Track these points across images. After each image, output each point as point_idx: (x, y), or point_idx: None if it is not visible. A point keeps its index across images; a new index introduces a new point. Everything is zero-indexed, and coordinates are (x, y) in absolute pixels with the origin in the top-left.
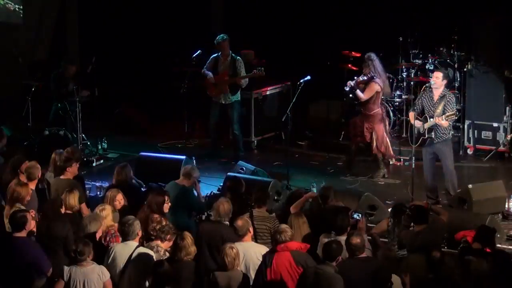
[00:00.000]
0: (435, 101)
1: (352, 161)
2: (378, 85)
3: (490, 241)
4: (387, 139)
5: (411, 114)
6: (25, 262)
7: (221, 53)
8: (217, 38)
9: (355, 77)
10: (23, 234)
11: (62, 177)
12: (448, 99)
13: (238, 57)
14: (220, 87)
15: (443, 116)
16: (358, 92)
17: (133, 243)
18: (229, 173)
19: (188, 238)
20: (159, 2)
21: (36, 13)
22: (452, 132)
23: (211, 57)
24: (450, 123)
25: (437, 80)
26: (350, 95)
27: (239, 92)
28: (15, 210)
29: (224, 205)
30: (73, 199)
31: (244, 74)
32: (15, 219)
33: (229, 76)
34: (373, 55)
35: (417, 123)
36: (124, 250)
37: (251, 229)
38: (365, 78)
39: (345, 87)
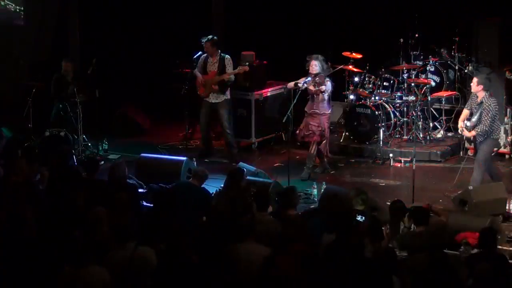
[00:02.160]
0: (476, 105)
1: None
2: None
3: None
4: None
5: (464, 112)
6: None
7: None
8: (202, 39)
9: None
10: None
11: None
12: (484, 107)
13: (226, 56)
14: (209, 87)
15: (472, 128)
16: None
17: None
18: None
19: None
20: (160, 3)
21: (37, 14)
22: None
23: (200, 57)
24: (494, 123)
25: (472, 86)
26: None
27: (228, 91)
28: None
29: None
30: None
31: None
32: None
33: (217, 75)
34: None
35: (463, 131)
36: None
37: (254, 230)
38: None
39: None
